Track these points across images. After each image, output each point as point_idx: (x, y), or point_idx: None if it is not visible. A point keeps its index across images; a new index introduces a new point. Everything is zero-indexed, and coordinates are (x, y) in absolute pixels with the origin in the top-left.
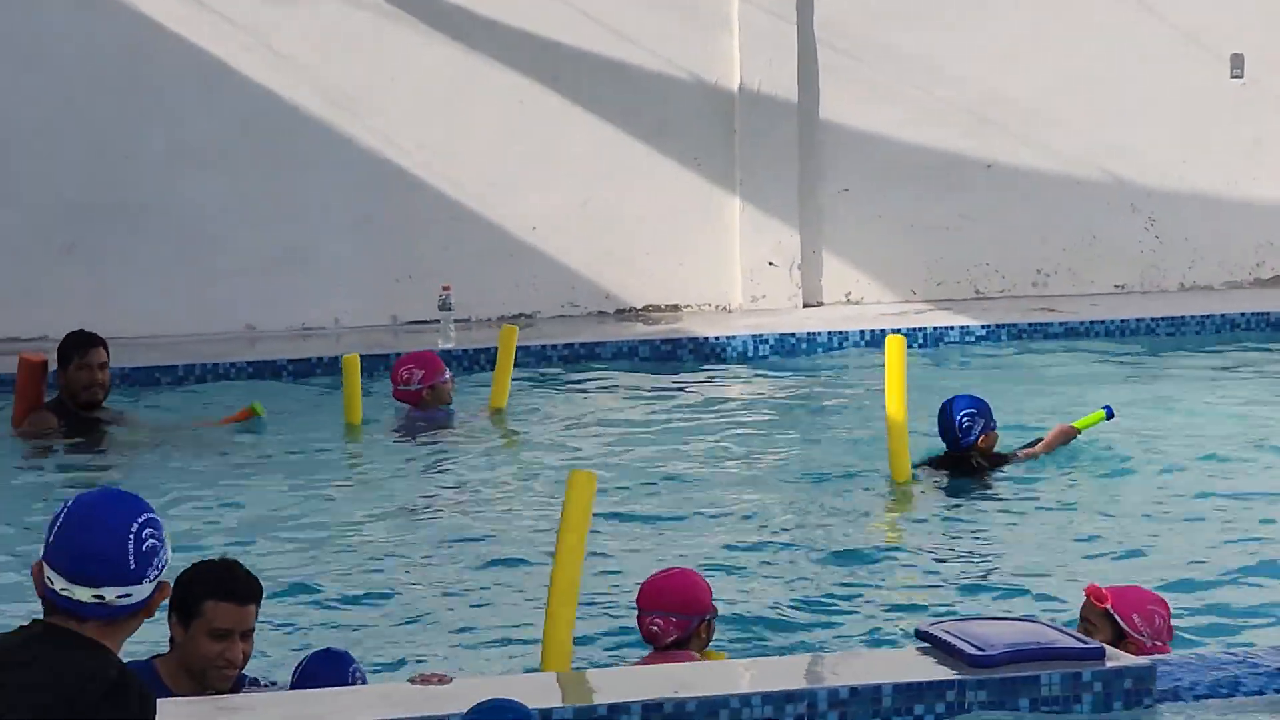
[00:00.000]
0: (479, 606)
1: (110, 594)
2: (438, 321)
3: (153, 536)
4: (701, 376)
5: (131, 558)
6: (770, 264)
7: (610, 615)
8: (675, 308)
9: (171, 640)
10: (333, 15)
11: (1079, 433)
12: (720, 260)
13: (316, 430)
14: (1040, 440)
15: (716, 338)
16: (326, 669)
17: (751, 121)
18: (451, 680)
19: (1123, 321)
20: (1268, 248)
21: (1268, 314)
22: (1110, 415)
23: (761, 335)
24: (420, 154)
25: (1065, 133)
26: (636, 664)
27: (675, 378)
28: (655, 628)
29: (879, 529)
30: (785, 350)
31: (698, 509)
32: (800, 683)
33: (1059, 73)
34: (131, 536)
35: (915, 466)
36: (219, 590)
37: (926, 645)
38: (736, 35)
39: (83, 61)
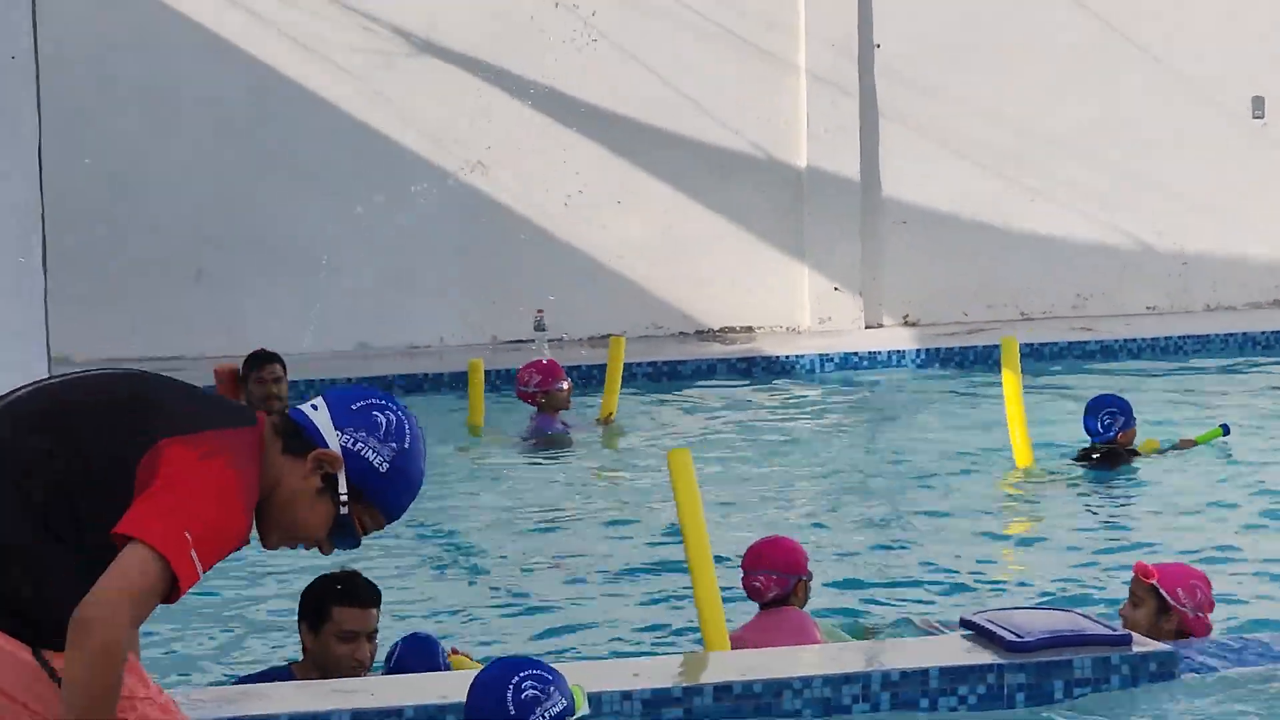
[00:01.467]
0: (602, 596)
1: (316, 402)
2: (533, 341)
3: (388, 421)
4: (779, 390)
5: (358, 405)
6: (835, 289)
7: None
8: (749, 329)
9: (304, 647)
10: (436, 68)
11: (1197, 445)
12: (790, 286)
13: (444, 431)
14: (1173, 446)
15: (786, 356)
16: (415, 654)
17: (817, 160)
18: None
19: (1153, 339)
20: None
21: None
22: (1226, 432)
23: (828, 354)
24: (516, 188)
25: (1101, 168)
26: (746, 624)
27: (759, 392)
28: (758, 584)
29: (1012, 512)
30: (849, 367)
31: (817, 501)
32: (857, 666)
33: (1095, 113)
34: (379, 400)
35: (1063, 459)
36: (344, 597)
37: (970, 633)
38: (803, 78)
39: (211, 106)
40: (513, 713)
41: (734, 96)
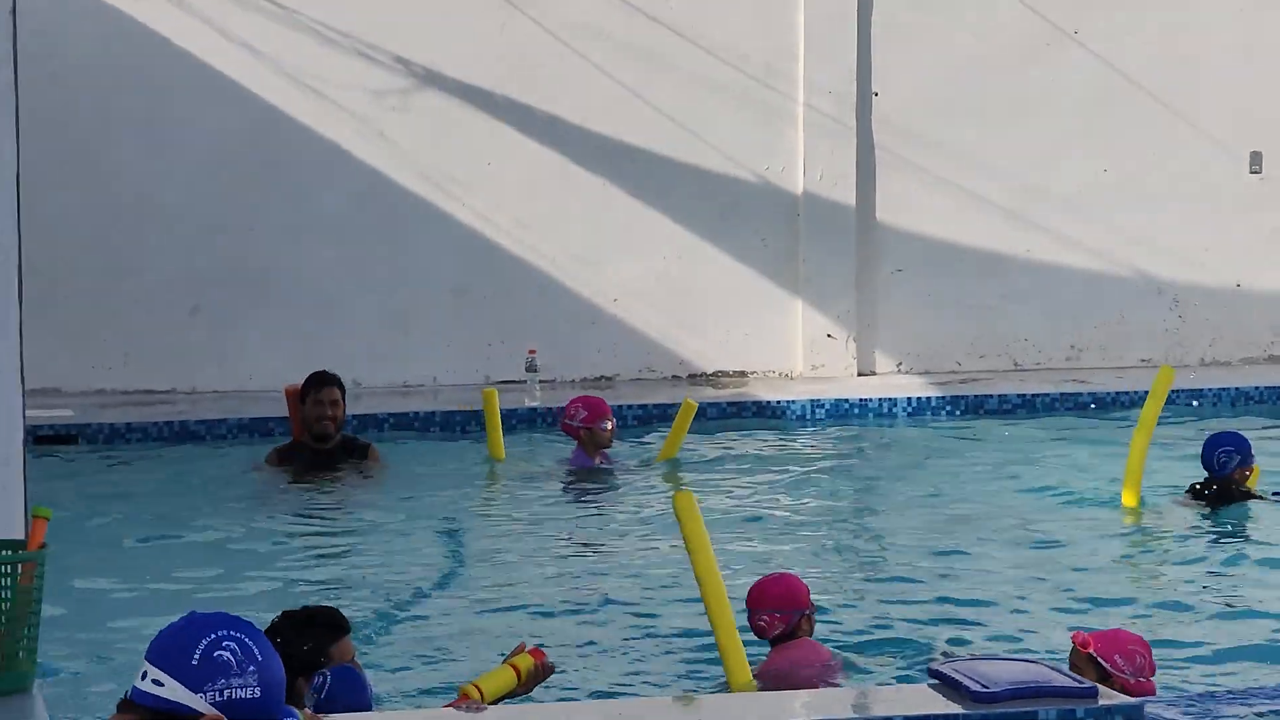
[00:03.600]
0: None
1: (153, 674)
2: (524, 381)
3: (233, 654)
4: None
5: (198, 652)
6: (829, 336)
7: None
8: (742, 374)
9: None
10: (437, 108)
11: None
12: (784, 332)
13: (461, 464)
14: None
15: (778, 401)
16: (342, 684)
17: (814, 207)
18: (485, 709)
19: (1146, 393)
20: None
21: (1279, 387)
22: None
23: (819, 400)
24: (513, 230)
25: (1097, 221)
26: (763, 662)
27: (779, 438)
28: (762, 623)
29: (1126, 547)
30: (841, 414)
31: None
32: (824, 713)
33: (1093, 166)
34: (211, 638)
35: (1176, 494)
36: (335, 629)
37: (936, 682)
38: (801, 129)
39: (211, 144)
40: (194, 662)
41: (733, 142)
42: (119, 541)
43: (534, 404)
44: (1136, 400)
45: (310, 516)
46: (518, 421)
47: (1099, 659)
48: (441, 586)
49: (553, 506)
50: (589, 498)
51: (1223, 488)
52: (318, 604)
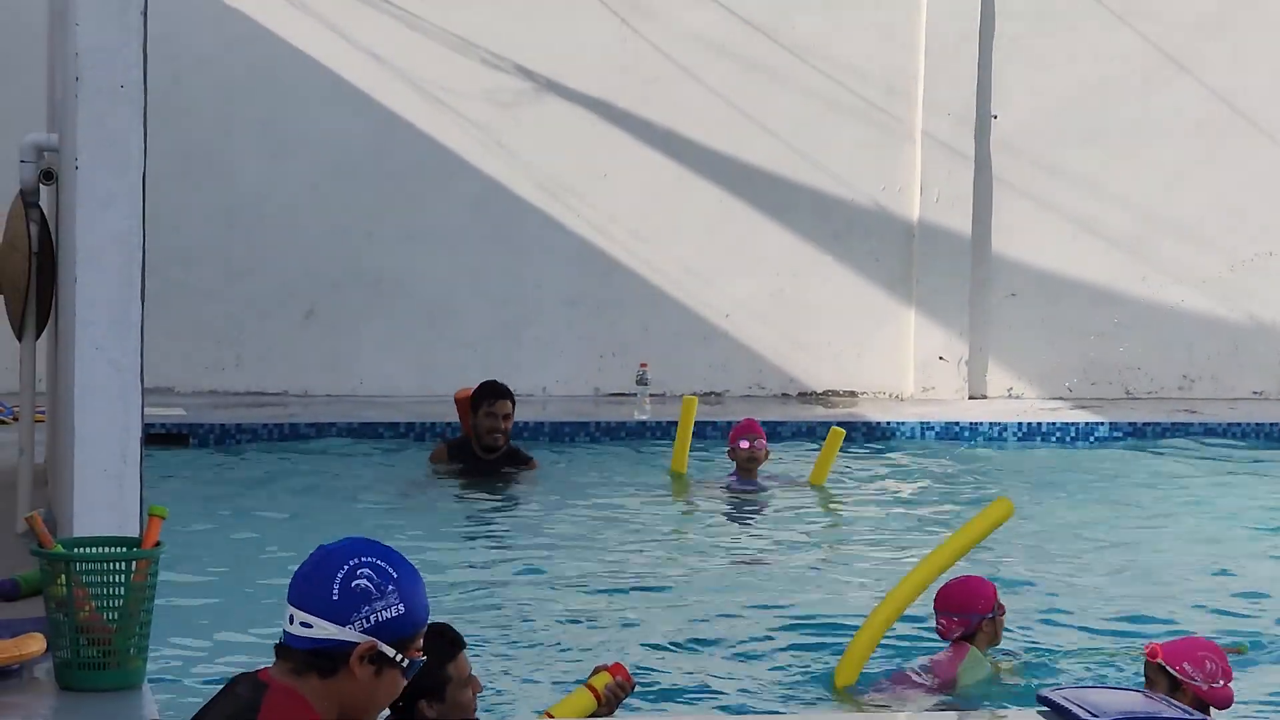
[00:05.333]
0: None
1: (300, 618)
2: (635, 394)
3: (369, 580)
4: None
5: (336, 587)
6: (940, 358)
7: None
8: (853, 393)
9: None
10: (555, 118)
11: None
12: (895, 352)
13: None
14: None
15: (888, 422)
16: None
17: (929, 229)
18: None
19: (1258, 425)
20: None
21: None
22: None
23: (929, 422)
24: (627, 242)
25: (1214, 251)
26: (929, 659)
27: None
28: (941, 625)
29: None
30: (951, 436)
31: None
32: None
33: (1212, 195)
34: (345, 569)
35: None
36: (453, 645)
37: (1047, 709)
38: (919, 149)
39: (332, 150)
40: (335, 597)
41: (851, 160)
42: (258, 540)
43: (643, 417)
44: (1247, 432)
45: (477, 523)
46: (627, 434)
47: (1167, 667)
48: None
49: (710, 525)
50: (740, 514)
51: None
52: (433, 621)
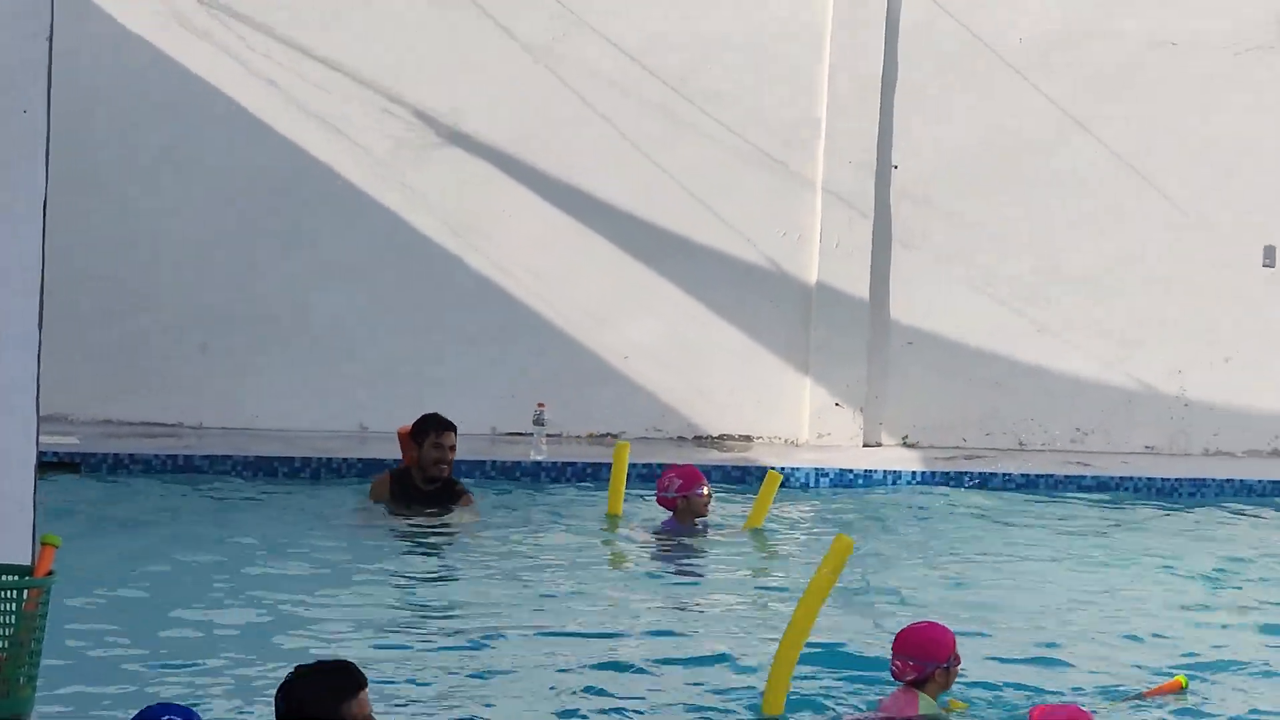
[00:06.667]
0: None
1: None
2: (532, 434)
3: None
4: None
5: None
6: (836, 405)
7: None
8: (748, 438)
9: None
10: (457, 156)
11: None
12: (792, 399)
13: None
14: None
15: (782, 468)
16: None
17: (828, 276)
18: None
19: (1149, 479)
20: None
21: None
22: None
23: (823, 469)
24: (527, 281)
25: (1110, 305)
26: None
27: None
28: (896, 667)
29: None
30: (845, 484)
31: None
32: None
33: (1108, 251)
34: None
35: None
36: (354, 684)
37: None
38: (819, 197)
39: (233, 181)
40: None
41: (751, 207)
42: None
43: (539, 458)
44: (1139, 487)
45: (422, 557)
46: (522, 474)
47: None
48: (523, 637)
49: (651, 571)
50: (687, 561)
51: None
52: (331, 658)
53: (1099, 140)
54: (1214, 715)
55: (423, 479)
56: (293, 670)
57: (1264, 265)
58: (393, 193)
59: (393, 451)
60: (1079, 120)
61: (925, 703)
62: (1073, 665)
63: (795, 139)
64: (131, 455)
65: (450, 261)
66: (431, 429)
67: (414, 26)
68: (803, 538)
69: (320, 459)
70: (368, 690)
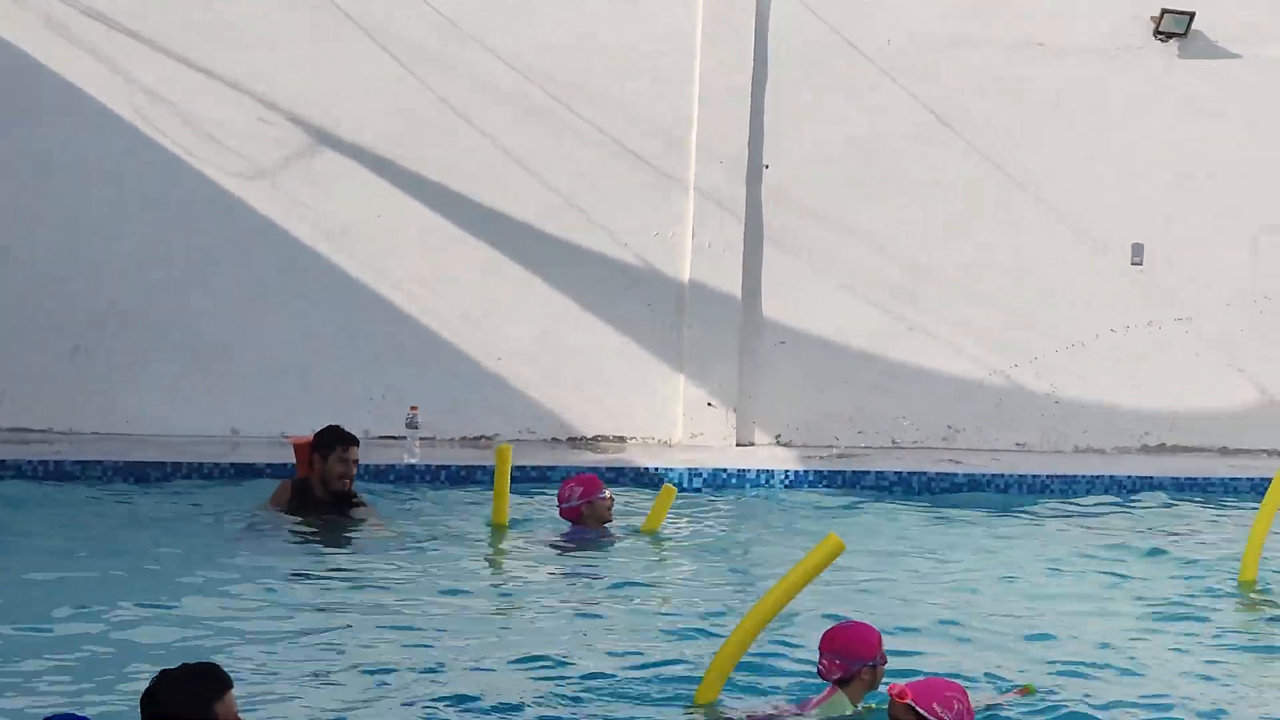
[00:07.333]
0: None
1: None
2: (405, 438)
3: None
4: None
5: None
6: (709, 405)
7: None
8: (621, 439)
9: None
10: (332, 161)
11: None
12: (665, 399)
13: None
14: None
15: (656, 468)
16: None
17: (700, 275)
18: None
19: (1020, 476)
20: (1154, 419)
21: (1150, 477)
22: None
23: (697, 469)
24: (402, 285)
25: (981, 305)
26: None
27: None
28: (822, 666)
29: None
30: (718, 484)
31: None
32: None
33: (978, 251)
34: None
35: None
36: (220, 684)
37: None
38: (691, 197)
39: (104, 184)
40: None
41: (623, 207)
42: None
43: (413, 460)
44: (1010, 483)
45: (321, 567)
46: (395, 478)
47: (917, 708)
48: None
49: (555, 577)
50: (591, 567)
51: None
52: (198, 661)
53: (968, 142)
54: (1074, 709)
55: (324, 490)
56: (158, 673)
57: (1133, 263)
58: (266, 198)
59: (264, 456)
60: (948, 122)
61: (834, 703)
62: (927, 654)
63: (668, 139)
64: (2, 461)
65: (324, 266)
66: (337, 443)
67: (290, 33)
68: (700, 539)
69: (193, 464)
70: (233, 691)
